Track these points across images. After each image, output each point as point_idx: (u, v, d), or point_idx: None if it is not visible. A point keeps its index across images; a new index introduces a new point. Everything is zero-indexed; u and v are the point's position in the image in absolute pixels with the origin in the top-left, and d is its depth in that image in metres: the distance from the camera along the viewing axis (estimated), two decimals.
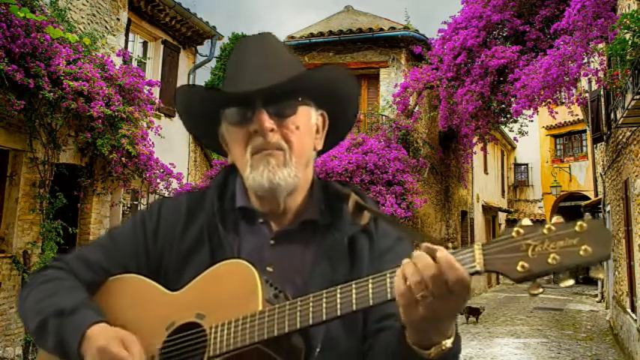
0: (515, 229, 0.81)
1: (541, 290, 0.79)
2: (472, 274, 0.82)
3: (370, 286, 0.88)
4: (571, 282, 0.77)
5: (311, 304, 0.91)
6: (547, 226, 0.79)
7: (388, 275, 0.87)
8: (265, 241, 1.12)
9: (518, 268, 0.79)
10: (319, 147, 1.19)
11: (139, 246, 1.17)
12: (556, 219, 0.80)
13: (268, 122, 1.06)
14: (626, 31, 5.39)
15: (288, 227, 1.13)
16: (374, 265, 1.07)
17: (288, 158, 1.08)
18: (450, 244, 0.86)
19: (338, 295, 0.90)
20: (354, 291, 0.89)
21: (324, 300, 0.90)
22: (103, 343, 0.99)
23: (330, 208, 1.15)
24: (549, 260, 0.77)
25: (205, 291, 1.04)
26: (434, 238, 0.88)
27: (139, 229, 1.18)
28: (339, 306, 0.89)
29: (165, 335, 1.05)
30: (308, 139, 1.13)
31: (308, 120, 1.13)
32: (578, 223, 0.77)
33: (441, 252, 0.83)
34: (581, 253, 0.76)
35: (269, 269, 1.08)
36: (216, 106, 1.14)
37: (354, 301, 0.88)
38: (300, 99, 1.11)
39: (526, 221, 0.82)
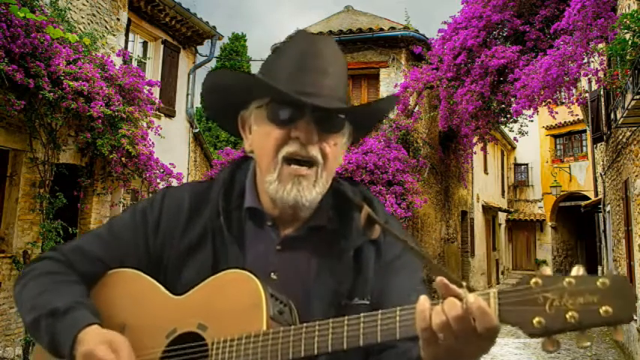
0: (534, 279, 0.77)
1: (556, 348, 0.76)
2: None
3: (379, 322, 0.85)
4: (588, 344, 0.74)
5: (317, 332, 0.89)
6: (567, 279, 0.75)
7: (398, 313, 0.84)
8: (271, 246, 1.10)
9: (535, 323, 0.75)
10: (341, 162, 1.18)
11: (139, 238, 1.13)
12: (577, 269, 0.76)
13: (315, 134, 1.03)
14: (626, 31, 5.39)
15: (295, 233, 1.11)
16: (379, 275, 1.06)
17: (319, 175, 1.05)
18: (464, 284, 0.81)
19: (345, 328, 0.87)
20: (362, 325, 0.86)
21: (331, 331, 0.88)
22: (88, 347, 0.96)
23: (339, 215, 1.13)
24: (567, 318, 0.74)
25: (208, 300, 1.02)
26: (451, 275, 0.82)
27: (140, 220, 1.15)
28: (345, 340, 0.87)
29: (166, 342, 1.03)
30: (339, 157, 1.12)
31: (343, 138, 1.12)
32: (600, 280, 0.74)
33: (473, 297, 0.78)
34: (602, 313, 0.72)
35: (273, 276, 1.06)
36: (258, 95, 1.08)
37: (361, 336, 0.86)
38: (345, 118, 1.09)
39: (545, 270, 0.78)
